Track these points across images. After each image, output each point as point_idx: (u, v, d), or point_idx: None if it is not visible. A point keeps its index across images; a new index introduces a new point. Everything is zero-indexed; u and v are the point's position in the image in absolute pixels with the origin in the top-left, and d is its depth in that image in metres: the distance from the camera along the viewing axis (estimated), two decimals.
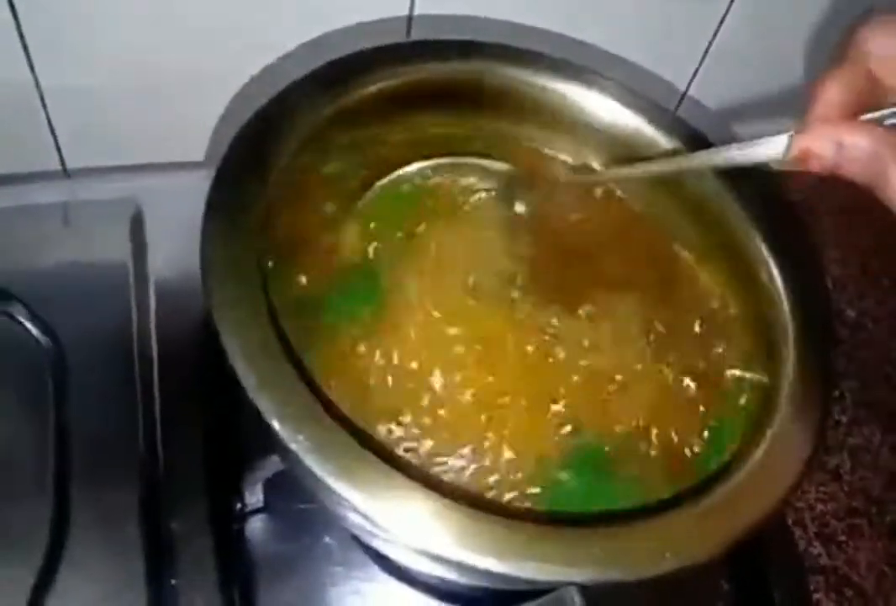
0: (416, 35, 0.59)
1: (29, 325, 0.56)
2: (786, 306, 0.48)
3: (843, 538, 0.63)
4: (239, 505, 0.52)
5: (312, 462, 0.35)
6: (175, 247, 0.58)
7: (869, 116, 0.37)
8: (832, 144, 0.36)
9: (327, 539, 0.53)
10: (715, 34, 0.64)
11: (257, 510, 0.53)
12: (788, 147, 0.37)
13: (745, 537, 0.40)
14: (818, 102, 0.37)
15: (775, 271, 0.49)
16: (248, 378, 0.37)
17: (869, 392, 0.70)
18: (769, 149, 0.39)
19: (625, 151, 0.52)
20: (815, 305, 0.48)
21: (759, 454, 0.42)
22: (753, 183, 0.51)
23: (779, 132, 0.38)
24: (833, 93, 0.37)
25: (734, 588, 0.58)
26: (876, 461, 0.67)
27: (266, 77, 0.59)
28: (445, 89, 0.50)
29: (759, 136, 0.40)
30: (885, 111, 0.37)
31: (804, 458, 0.43)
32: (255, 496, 0.52)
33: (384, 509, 0.36)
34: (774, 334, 0.47)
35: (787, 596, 0.59)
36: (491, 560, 0.35)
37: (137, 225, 0.61)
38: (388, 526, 0.36)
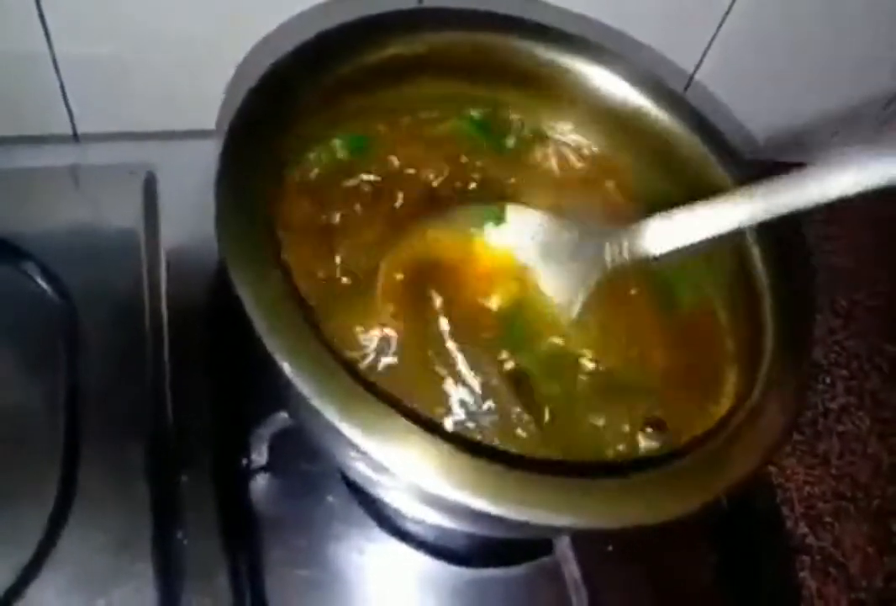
0: (429, 2, 0.61)
1: (42, 283, 0.57)
2: (767, 289, 0.49)
3: (829, 519, 0.64)
4: (245, 462, 0.54)
5: (319, 404, 0.37)
6: (185, 212, 0.60)
7: None
8: None
9: (329, 499, 0.54)
10: (724, 17, 0.65)
11: (262, 469, 0.54)
12: None
13: (730, 491, 0.41)
14: None
15: (758, 253, 0.50)
16: (260, 324, 0.38)
17: (859, 381, 0.71)
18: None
19: (628, 129, 0.54)
20: (797, 286, 0.50)
21: (744, 415, 0.44)
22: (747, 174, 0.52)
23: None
24: None
25: (722, 561, 0.59)
26: (864, 448, 0.68)
27: (275, 43, 0.59)
28: (452, 58, 0.51)
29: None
30: None
31: (785, 424, 0.44)
32: (260, 455, 0.54)
33: (385, 448, 0.37)
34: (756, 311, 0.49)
35: (773, 572, 0.60)
36: (483, 500, 0.37)
37: (150, 189, 0.62)
38: (388, 465, 0.37)
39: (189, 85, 0.63)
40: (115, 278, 0.58)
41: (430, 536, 0.53)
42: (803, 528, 0.64)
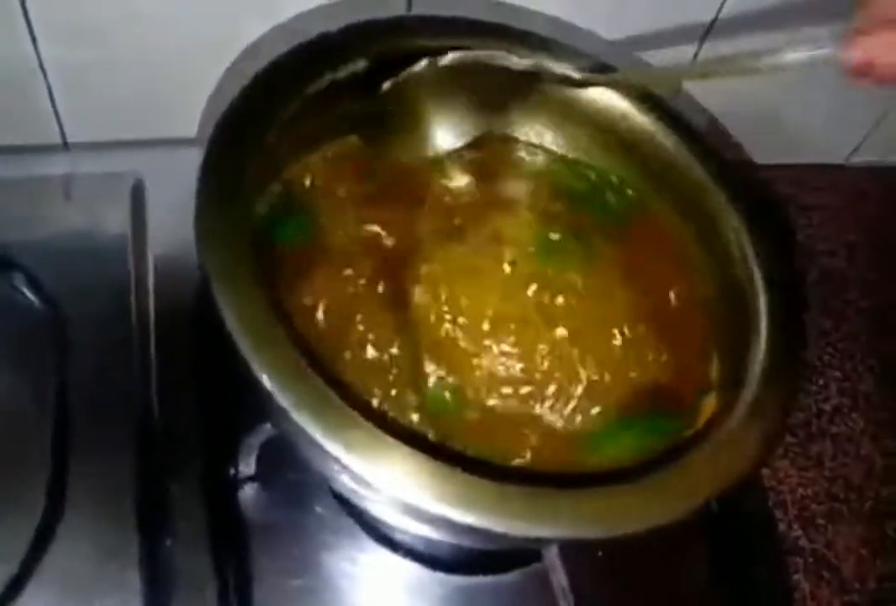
0: (417, 10, 0.60)
1: (30, 294, 0.57)
2: (759, 284, 0.49)
3: (822, 521, 0.64)
4: (232, 472, 0.54)
5: (299, 418, 0.37)
6: (173, 220, 0.59)
7: None
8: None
9: (318, 509, 0.54)
10: (711, 24, 0.65)
11: (250, 478, 0.54)
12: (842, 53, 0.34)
13: (721, 496, 0.41)
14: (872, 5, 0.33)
15: (749, 250, 0.50)
16: (242, 341, 0.38)
17: (852, 383, 0.71)
18: (823, 54, 0.36)
19: (612, 137, 0.54)
20: (788, 281, 0.50)
21: (732, 422, 0.44)
22: (739, 176, 0.52)
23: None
24: None
25: (715, 564, 0.59)
26: (857, 449, 0.68)
27: (261, 51, 0.59)
28: None
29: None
30: None
31: (772, 431, 0.44)
32: (248, 465, 0.54)
33: (366, 463, 0.37)
34: (747, 311, 0.48)
35: (766, 574, 0.60)
36: (467, 514, 0.37)
37: (138, 197, 0.62)
38: (370, 479, 0.37)
39: (177, 92, 0.62)
40: (103, 284, 0.57)
41: (418, 545, 0.53)
42: (796, 530, 0.64)
